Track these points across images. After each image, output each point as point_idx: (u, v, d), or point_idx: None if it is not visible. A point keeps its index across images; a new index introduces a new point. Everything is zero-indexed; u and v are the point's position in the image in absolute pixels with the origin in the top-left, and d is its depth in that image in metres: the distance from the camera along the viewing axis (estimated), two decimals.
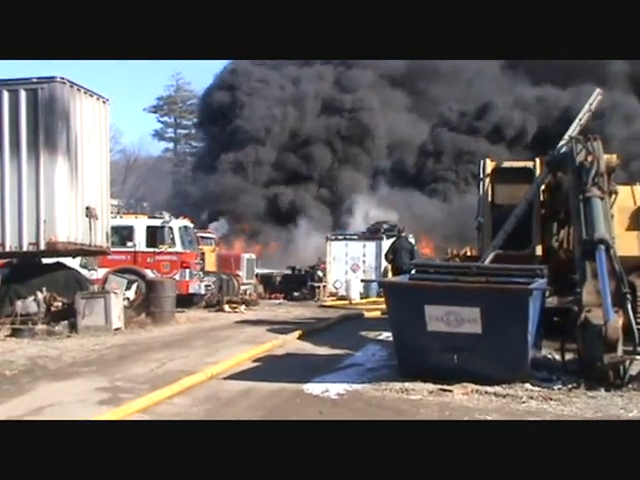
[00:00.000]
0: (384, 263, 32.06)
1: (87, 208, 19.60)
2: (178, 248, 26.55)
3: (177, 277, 25.50)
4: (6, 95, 18.87)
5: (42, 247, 18.84)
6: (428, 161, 57.68)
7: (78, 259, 23.54)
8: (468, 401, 10.60)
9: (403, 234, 22.87)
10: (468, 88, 61.24)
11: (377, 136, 60.35)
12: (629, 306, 11.89)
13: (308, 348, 16.27)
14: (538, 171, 16.74)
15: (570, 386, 11.23)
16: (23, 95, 18.82)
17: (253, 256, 36.40)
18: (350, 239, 35.34)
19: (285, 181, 59.24)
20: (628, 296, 12.04)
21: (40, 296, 18.89)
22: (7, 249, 18.98)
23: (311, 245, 44.88)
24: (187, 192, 60.91)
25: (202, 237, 32.44)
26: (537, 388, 11.16)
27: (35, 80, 18.93)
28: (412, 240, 23.15)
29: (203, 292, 27.44)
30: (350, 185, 56.44)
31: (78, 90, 19.55)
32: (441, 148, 57.27)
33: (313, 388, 11.50)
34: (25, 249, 18.93)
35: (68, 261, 21.82)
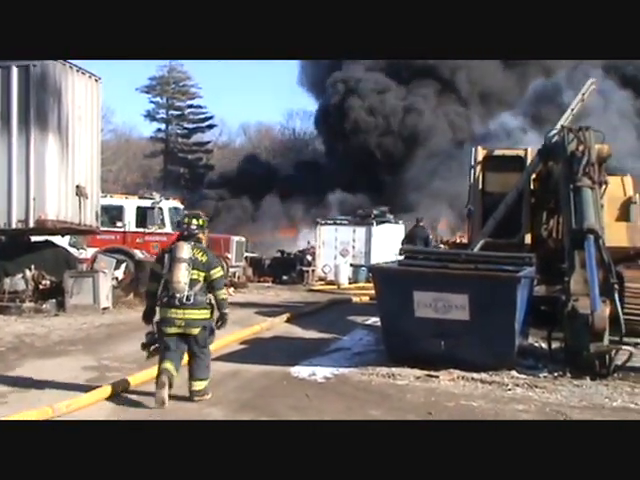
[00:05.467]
0: (375, 248, 32.20)
1: (77, 187, 19.52)
2: (168, 229, 26.49)
3: None
4: None
5: (31, 225, 18.77)
6: None
7: (67, 238, 23.48)
8: (454, 387, 10.66)
9: (421, 223, 22.98)
10: None
11: None
12: (616, 296, 11.95)
13: (296, 331, 16.30)
14: (529, 160, 16.72)
15: (556, 374, 11.32)
16: (15, 71, 18.68)
17: (242, 239, 36.25)
18: (340, 224, 35.19)
19: None
20: (616, 286, 12.09)
21: (28, 274, 18.83)
22: None
23: None
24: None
25: None
26: (523, 376, 11.24)
27: None
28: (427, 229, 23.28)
29: None
30: None
31: (70, 68, 19.42)
32: None
33: (300, 371, 11.54)
34: (14, 226, 18.84)
35: (57, 240, 21.75)
